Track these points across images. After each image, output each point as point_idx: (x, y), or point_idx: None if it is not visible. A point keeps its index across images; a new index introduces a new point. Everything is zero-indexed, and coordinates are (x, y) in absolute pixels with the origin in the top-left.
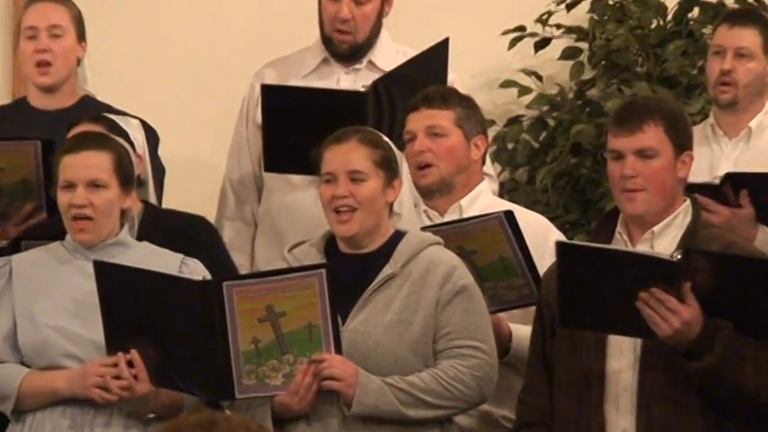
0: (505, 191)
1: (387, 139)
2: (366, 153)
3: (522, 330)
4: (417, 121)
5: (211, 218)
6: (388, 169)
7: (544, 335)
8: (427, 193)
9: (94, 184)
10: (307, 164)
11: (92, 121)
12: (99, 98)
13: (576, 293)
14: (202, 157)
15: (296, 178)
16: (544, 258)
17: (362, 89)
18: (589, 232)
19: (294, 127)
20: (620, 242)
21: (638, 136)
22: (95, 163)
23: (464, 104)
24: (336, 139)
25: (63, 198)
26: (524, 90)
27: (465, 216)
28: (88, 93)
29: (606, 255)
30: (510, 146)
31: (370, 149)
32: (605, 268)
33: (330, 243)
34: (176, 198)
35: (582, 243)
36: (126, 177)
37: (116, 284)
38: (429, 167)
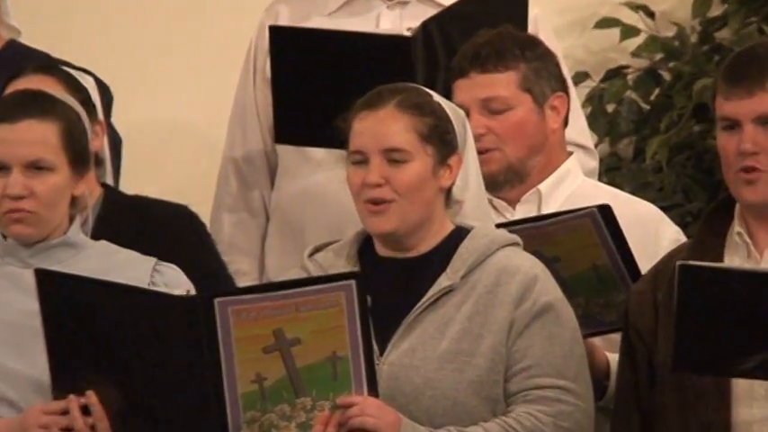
0: (603, 170)
1: (440, 99)
2: (408, 123)
3: None
4: (468, 92)
5: (199, 209)
6: (441, 143)
7: (636, 374)
8: (491, 184)
9: (36, 166)
10: (331, 134)
11: (40, 72)
12: (29, 43)
13: (697, 328)
14: (188, 125)
15: (318, 154)
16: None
17: (408, 33)
18: None
19: (314, 84)
20: (739, 247)
21: (758, 97)
22: (37, 137)
23: (529, 56)
24: (368, 103)
25: None
26: (630, 31)
27: (546, 208)
28: (14, 36)
29: (747, 278)
30: (610, 108)
31: (413, 117)
32: (741, 295)
33: (366, 245)
34: (150, 183)
35: (713, 265)
36: (78, 155)
37: (65, 301)
38: (490, 152)
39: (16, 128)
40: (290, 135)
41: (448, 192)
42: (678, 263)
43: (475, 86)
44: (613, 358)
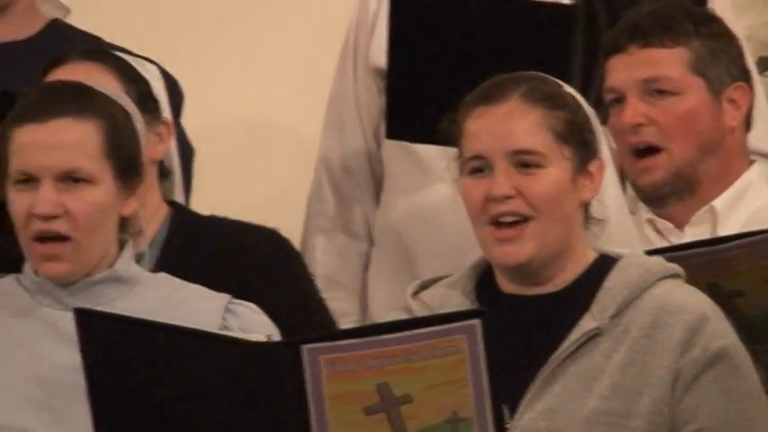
0: None
1: (571, 90)
2: (540, 118)
3: None
4: (625, 71)
5: (292, 233)
6: (580, 144)
7: None
8: (654, 198)
9: (71, 178)
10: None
11: (87, 58)
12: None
13: None
14: (274, 127)
15: (439, 163)
16: None
17: (567, 0)
18: None
19: (441, 63)
20: None
21: None
22: (72, 140)
23: (704, 32)
24: (485, 96)
25: (19, 201)
26: None
27: (722, 230)
28: (60, 15)
29: None
30: None
31: (545, 111)
32: None
33: (484, 279)
34: (228, 200)
35: None
36: (126, 163)
37: (113, 350)
38: (653, 153)
39: (46, 129)
40: (406, 129)
41: (586, 209)
42: None
43: (634, 64)
44: None
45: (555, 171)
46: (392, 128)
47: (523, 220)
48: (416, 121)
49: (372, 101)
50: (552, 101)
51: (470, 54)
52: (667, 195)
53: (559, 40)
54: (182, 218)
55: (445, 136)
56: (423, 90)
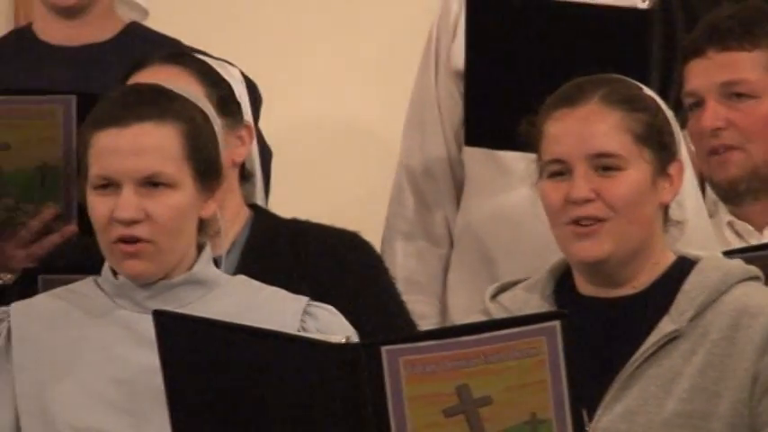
0: None
1: (651, 92)
2: (620, 121)
3: None
4: (703, 75)
5: (371, 235)
6: (660, 146)
7: None
8: (731, 194)
9: (151, 182)
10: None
11: (169, 62)
12: (158, 29)
13: None
14: (355, 130)
15: (519, 165)
16: None
17: (644, 4)
18: None
19: (519, 69)
20: None
21: None
22: (152, 144)
23: None
24: (565, 98)
25: (99, 206)
26: None
27: None
28: (138, 18)
29: None
30: None
31: (625, 114)
32: None
33: (563, 282)
34: (307, 203)
35: None
36: (206, 166)
37: (192, 351)
38: (730, 151)
39: (126, 134)
40: (485, 135)
41: (665, 210)
42: None
43: (713, 68)
44: None
45: (635, 173)
46: (471, 134)
47: (599, 220)
48: (495, 127)
49: (453, 104)
50: (632, 103)
51: (547, 59)
52: (743, 193)
53: (636, 44)
54: (263, 221)
55: (524, 140)
56: (501, 96)
